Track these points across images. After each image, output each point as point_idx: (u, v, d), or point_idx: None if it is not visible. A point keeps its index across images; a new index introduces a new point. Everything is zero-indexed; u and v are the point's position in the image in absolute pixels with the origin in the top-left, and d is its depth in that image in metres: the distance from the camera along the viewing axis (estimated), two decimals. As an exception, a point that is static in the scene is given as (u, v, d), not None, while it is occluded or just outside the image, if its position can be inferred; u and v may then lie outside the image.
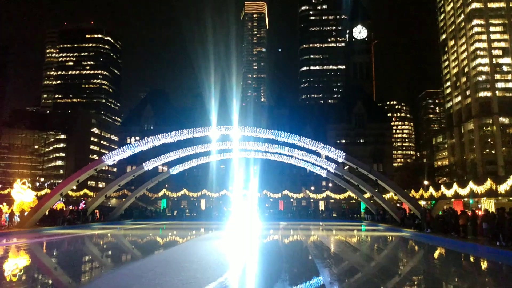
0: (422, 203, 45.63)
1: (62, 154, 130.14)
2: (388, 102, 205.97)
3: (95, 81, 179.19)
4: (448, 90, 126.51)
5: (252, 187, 57.73)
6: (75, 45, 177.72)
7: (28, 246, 19.91)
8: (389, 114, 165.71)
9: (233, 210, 47.96)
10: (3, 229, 26.19)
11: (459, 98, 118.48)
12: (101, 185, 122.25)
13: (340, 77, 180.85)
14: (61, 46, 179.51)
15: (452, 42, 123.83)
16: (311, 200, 67.60)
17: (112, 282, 10.57)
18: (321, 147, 31.29)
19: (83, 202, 42.18)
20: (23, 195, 32.96)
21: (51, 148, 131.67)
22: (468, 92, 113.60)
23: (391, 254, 19.44)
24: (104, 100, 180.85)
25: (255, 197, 55.46)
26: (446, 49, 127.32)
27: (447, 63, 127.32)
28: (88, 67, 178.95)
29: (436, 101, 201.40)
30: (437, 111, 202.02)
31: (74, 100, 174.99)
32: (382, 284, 10.83)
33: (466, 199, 43.16)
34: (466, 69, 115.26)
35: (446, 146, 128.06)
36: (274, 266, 13.56)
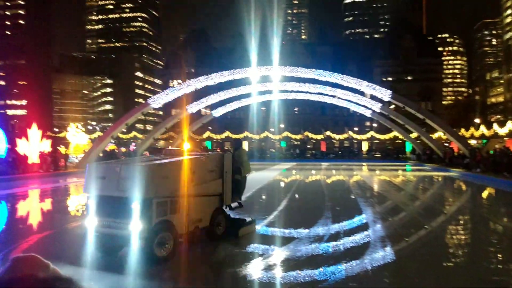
0: (472, 142, 43.88)
1: (110, 98, 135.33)
2: (439, 35, 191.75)
3: (135, 24, 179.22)
4: (508, 19, 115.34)
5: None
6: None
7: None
8: (440, 48, 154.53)
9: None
10: (63, 169, 28.35)
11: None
12: (149, 127, 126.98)
13: (387, 9, 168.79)
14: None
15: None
16: (354, 141, 66.84)
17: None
18: (365, 85, 30.29)
19: (134, 144, 44.27)
20: (77, 137, 35.12)
21: (99, 92, 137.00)
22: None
23: (437, 193, 19.19)
24: (145, 44, 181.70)
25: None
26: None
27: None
28: (127, 10, 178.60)
29: (493, 32, 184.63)
30: (494, 43, 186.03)
31: (117, 44, 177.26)
32: (427, 223, 10.81)
33: (521, 138, 41.01)
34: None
35: (501, 81, 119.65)
36: (316, 204, 13.83)
